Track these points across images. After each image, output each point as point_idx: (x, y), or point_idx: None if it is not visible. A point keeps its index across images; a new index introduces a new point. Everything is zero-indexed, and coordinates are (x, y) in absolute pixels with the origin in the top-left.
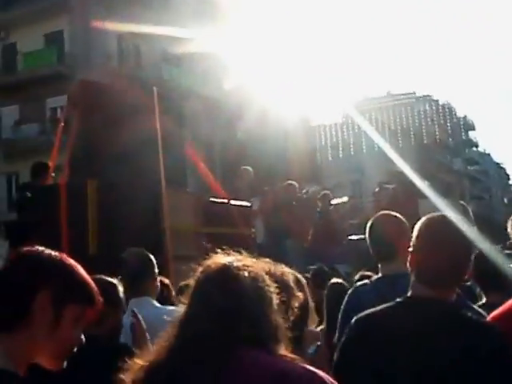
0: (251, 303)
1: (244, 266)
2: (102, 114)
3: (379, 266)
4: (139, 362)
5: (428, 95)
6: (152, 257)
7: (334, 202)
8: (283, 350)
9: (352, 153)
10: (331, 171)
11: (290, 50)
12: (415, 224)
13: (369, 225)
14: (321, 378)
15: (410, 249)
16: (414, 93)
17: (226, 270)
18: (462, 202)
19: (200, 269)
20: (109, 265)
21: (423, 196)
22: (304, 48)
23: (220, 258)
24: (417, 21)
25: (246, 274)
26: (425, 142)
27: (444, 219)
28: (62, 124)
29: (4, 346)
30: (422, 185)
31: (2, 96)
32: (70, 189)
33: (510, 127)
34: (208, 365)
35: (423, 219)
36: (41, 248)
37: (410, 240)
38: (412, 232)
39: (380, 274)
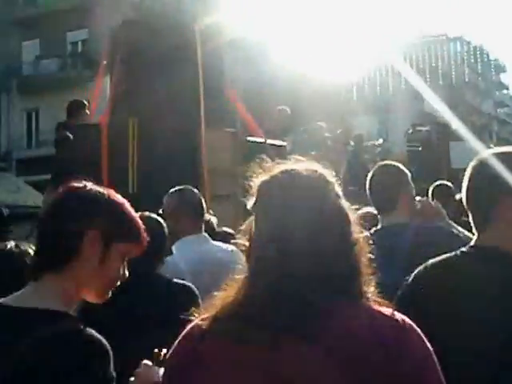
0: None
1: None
2: (144, 54)
3: (379, 216)
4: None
5: (460, 36)
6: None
7: (367, 143)
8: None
9: (378, 92)
10: (357, 110)
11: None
12: (445, 167)
13: (369, 176)
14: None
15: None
16: (446, 34)
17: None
18: (491, 145)
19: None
20: (149, 203)
21: (456, 138)
22: None
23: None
24: None
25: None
26: (454, 82)
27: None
28: (104, 63)
29: (56, 286)
30: (456, 126)
31: (23, 30)
32: (111, 127)
33: None
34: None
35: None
36: (88, 184)
37: (411, 191)
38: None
39: (379, 226)
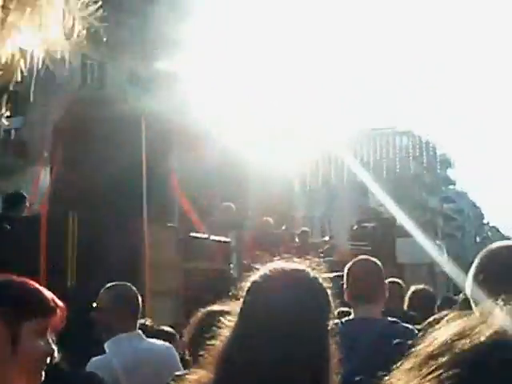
0: None
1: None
2: (86, 145)
3: (352, 309)
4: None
5: (408, 131)
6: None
7: (312, 240)
8: None
9: (322, 185)
10: (300, 204)
11: (263, 79)
12: (391, 262)
13: (347, 268)
14: None
15: None
16: (395, 127)
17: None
18: (437, 241)
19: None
20: (87, 297)
21: (402, 234)
22: (279, 76)
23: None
24: (403, 56)
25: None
26: (401, 177)
27: None
28: (46, 154)
29: None
30: (402, 222)
31: None
32: (50, 220)
33: (488, 167)
34: None
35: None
36: None
37: (386, 287)
38: (385, 277)
39: (352, 316)
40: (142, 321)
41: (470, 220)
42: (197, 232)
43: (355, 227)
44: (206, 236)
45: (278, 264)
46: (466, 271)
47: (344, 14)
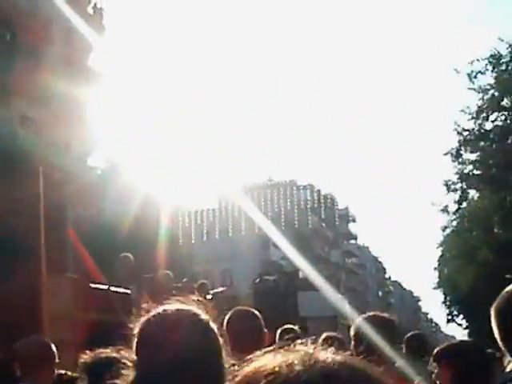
0: None
1: None
2: None
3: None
4: None
5: (309, 184)
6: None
7: (211, 291)
8: None
9: (219, 239)
10: (201, 258)
11: (163, 127)
12: (293, 315)
13: (227, 318)
14: None
15: None
16: (296, 181)
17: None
18: (340, 295)
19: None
20: None
21: (304, 288)
22: (176, 127)
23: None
24: (302, 108)
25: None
26: (301, 231)
27: None
28: None
29: None
30: (305, 275)
31: None
32: None
33: (389, 222)
34: None
35: None
36: None
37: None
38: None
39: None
40: None
41: (372, 274)
42: (96, 283)
43: (257, 280)
44: (105, 287)
45: (170, 306)
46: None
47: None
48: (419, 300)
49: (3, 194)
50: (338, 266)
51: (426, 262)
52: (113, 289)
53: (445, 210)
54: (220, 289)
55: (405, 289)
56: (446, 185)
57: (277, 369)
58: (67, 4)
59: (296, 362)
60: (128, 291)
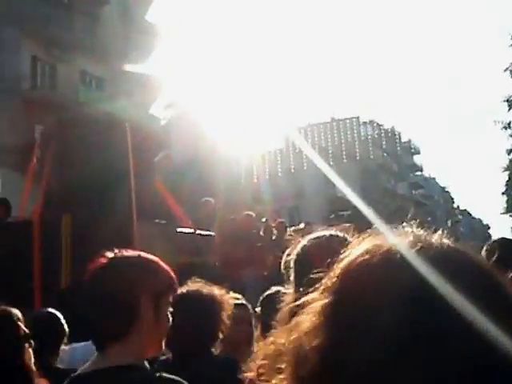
0: None
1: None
2: (76, 151)
3: None
4: None
5: (372, 120)
6: None
7: (290, 229)
8: None
9: (292, 178)
10: (269, 198)
11: (227, 73)
12: None
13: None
14: None
15: None
16: (358, 117)
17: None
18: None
19: None
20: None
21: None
22: (243, 71)
23: None
24: (360, 47)
25: None
26: (369, 166)
27: None
28: (35, 159)
29: (124, 347)
30: (366, 212)
31: None
32: (43, 223)
33: (455, 152)
34: None
35: None
36: (123, 253)
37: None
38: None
39: None
40: None
41: (440, 205)
42: (183, 227)
43: (332, 216)
44: (192, 231)
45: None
46: None
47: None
48: (489, 227)
49: (96, 149)
50: (405, 198)
51: (494, 187)
52: (198, 232)
53: (508, 126)
54: (301, 225)
55: (474, 217)
56: (507, 101)
57: (393, 248)
58: None
59: (412, 242)
60: (212, 233)
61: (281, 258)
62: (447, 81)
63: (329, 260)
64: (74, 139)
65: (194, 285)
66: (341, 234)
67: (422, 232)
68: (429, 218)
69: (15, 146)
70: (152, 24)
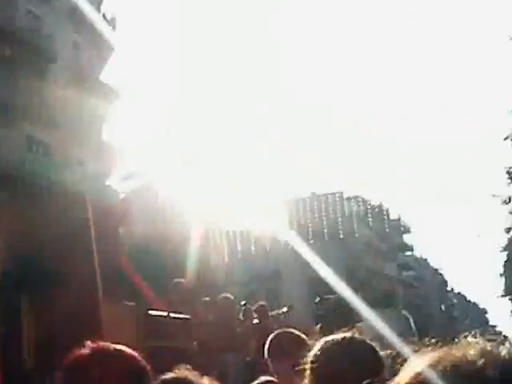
0: None
1: None
2: (31, 226)
3: None
4: None
5: (357, 195)
6: None
7: (271, 313)
8: None
9: (267, 258)
10: (245, 279)
11: (193, 141)
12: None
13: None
14: None
15: None
16: (342, 193)
17: None
18: (404, 311)
19: None
20: (44, 381)
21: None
22: (216, 141)
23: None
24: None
25: None
26: (354, 245)
27: None
28: None
29: None
30: (354, 302)
31: None
32: (2, 303)
33: (449, 230)
34: None
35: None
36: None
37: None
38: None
39: None
40: None
41: (432, 287)
42: (154, 310)
43: (317, 300)
44: (165, 314)
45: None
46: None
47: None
48: (486, 312)
49: (56, 223)
50: (394, 280)
51: (491, 268)
52: (172, 315)
53: (508, 201)
54: (284, 309)
55: (469, 301)
56: (508, 173)
57: (458, 363)
58: (72, 18)
59: (477, 357)
60: (187, 316)
61: (264, 344)
62: (440, 152)
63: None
64: (30, 214)
65: (181, 372)
66: (359, 338)
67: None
68: (419, 301)
69: None
70: (107, 85)
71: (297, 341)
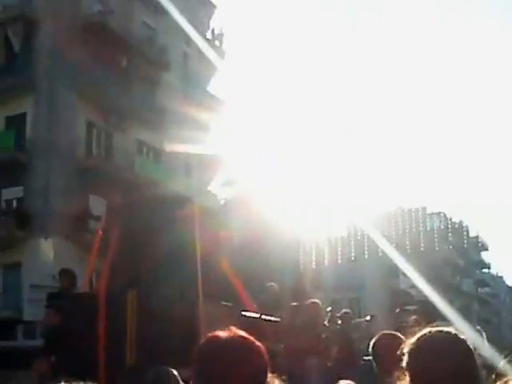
0: None
1: None
2: (142, 229)
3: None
4: None
5: (440, 212)
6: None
7: (355, 320)
8: None
9: (352, 267)
10: (329, 286)
11: (290, 153)
12: None
13: (372, 342)
14: None
15: None
16: (425, 208)
17: None
18: (478, 326)
19: None
20: (146, 375)
21: (440, 319)
22: (306, 156)
23: None
24: (431, 135)
25: None
26: (433, 259)
27: None
28: (101, 232)
29: None
30: (441, 306)
31: None
32: (109, 297)
33: None
34: None
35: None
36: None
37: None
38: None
39: None
40: None
41: (505, 304)
42: (248, 311)
43: (397, 310)
44: (257, 315)
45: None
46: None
47: (374, 97)
48: None
49: (164, 226)
50: (469, 296)
51: None
52: (264, 317)
53: None
54: (367, 317)
55: None
56: None
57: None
58: (186, 30)
59: None
60: (278, 319)
61: (346, 350)
62: None
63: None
64: (142, 218)
65: None
66: (452, 331)
67: None
68: (494, 318)
69: (68, 215)
70: (213, 95)
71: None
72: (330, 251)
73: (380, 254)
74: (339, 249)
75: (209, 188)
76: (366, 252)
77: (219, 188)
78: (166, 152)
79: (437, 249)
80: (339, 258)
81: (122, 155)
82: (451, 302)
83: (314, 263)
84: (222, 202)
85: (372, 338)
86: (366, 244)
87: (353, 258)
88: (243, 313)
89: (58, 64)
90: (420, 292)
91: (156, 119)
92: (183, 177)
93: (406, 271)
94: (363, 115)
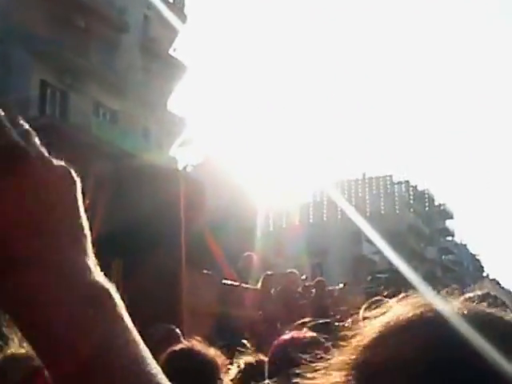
0: None
1: None
2: (128, 196)
3: None
4: None
5: (406, 180)
6: None
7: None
8: None
9: (314, 233)
10: (292, 252)
11: (255, 118)
12: None
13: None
14: None
15: None
16: (392, 176)
17: None
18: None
19: None
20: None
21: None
22: (273, 122)
23: None
24: (399, 104)
25: None
26: (397, 226)
27: None
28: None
29: None
30: (407, 273)
31: None
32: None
33: (489, 219)
34: None
35: None
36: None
37: None
38: None
39: None
40: None
41: (469, 272)
42: (228, 280)
43: (369, 278)
44: (237, 283)
45: None
46: None
47: (343, 56)
48: None
49: (148, 196)
50: (433, 263)
51: None
52: (244, 285)
53: None
54: (340, 285)
55: (503, 287)
56: None
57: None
58: None
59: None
60: (257, 287)
61: (320, 318)
62: (491, 145)
63: None
64: (128, 186)
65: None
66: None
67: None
68: (456, 285)
69: None
70: (175, 58)
71: None
72: (292, 216)
73: (343, 222)
74: (306, 216)
75: (170, 153)
76: (324, 216)
77: (177, 149)
78: (123, 114)
79: (397, 212)
80: (307, 226)
81: (79, 116)
82: (415, 269)
83: (271, 227)
84: (189, 169)
85: (344, 305)
86: (328, 211)
87: (311, 221)
88: (224, 281)
89: (12, 23)
90: (383, 259)
91: (115, 81)
92: (142, 140)
93: (370, 236)
94: (334, 81)
